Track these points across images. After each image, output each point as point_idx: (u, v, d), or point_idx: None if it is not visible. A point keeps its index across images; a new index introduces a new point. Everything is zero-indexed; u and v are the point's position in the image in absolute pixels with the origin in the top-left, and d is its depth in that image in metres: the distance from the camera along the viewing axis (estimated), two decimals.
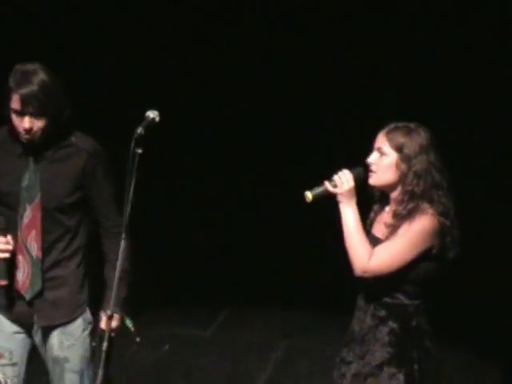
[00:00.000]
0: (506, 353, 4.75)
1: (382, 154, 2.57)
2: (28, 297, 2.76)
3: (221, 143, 5.50)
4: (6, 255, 2.75)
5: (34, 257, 2.78)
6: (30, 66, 2.66)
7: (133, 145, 2.52)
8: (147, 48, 5.51)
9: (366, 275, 2.58)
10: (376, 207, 2.77)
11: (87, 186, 2.77)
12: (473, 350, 5.78)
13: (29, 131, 2.61)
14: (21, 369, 3.06)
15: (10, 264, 2.79)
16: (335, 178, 2.61)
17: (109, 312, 2.69)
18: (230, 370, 4.75)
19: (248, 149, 5.50)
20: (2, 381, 3.15)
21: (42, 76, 2.63)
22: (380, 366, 2.63)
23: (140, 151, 2.51)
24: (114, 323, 2.75)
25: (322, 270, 5.19)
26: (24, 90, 2.59)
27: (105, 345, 2.71)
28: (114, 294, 2.64)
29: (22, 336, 2.99)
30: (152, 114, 2.62)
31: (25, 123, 2.60)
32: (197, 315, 5.27)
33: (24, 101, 2.59)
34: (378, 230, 2.68)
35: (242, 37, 5.35)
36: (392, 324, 2.64)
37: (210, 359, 4.79)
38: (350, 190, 2.58)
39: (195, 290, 5.20)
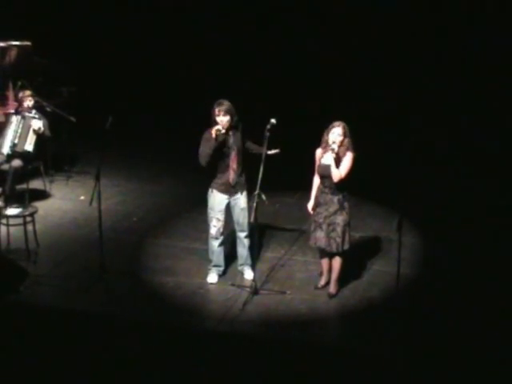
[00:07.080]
0: (401, 203, 6.65)
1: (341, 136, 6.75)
2: (233, 184, 6.91)
3: None
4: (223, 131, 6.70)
5: (235, 169, 6.91)
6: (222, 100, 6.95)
7: (267, 131, 6.89)
8: None
9: (339, 180, 6.70)
10: (321, 152, 6.68)
11: (244, 138, 7.07)
12: (379, 203, 9.10)
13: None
14: (223, 215, 7.08)
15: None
16: (334, 146, 6.72)
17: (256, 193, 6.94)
18: None
19: None
20: (218, 224, 7.06)
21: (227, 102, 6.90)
22: (338, 211, 6.78)
23: (268, 134, 6.88)
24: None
25: None
26: (222, 107, 6.81)
27: (257, 195, 6.76)
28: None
29: (226, 200, 7.02)
30: (273, 120, 6.87)
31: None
32: None
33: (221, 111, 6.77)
34: (326, 160, 6.65)
35: None
36: (341, 198, 6.80)
37: None
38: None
39: None
